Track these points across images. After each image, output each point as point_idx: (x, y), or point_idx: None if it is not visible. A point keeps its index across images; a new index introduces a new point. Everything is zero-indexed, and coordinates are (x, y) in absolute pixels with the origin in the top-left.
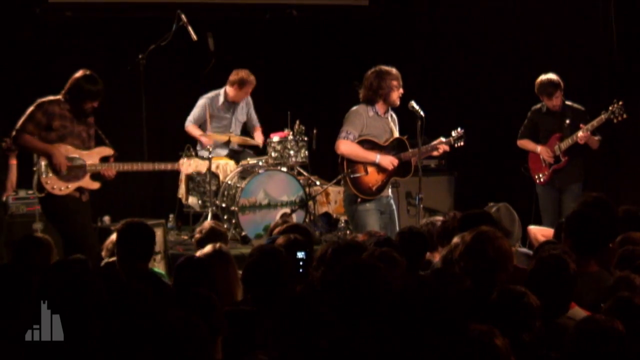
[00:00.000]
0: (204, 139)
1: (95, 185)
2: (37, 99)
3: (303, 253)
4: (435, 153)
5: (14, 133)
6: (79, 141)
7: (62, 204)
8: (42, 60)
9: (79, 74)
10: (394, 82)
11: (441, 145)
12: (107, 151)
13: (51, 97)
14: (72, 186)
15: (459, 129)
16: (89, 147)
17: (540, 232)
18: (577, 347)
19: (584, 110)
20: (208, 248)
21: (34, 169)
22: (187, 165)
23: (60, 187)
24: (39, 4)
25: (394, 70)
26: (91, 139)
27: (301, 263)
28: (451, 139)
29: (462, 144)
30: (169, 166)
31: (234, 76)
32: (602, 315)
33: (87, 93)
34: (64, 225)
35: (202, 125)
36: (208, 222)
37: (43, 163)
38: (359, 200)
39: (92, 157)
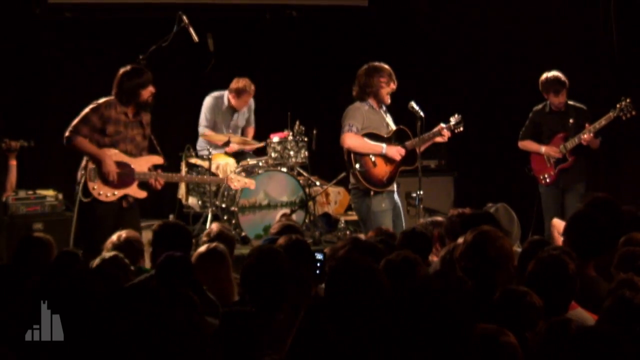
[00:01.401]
0: (232, 146)
1: (142, 194)
2: (93, 101)
3: (322, 255)
4: (439, 139)
5: (67, 134)
6: (132, 146)
7: (100, 211)
8: (42, 61)
9: (120, 72)
10: (382, 80)
11: (443, 130)
12: (157, 159)
13: (107, 99)
14: (118, 193)
15: (456, 115)
16: (142, 151)
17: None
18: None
19: (586, 109)
20: (203, 247)
21: (82, 172)
22: (237, 181)
23: (106, 194)
24: (39, 4)
25: (384, 67)
26: (145, 140)
27: (318, 264)
28: (450, 124)
29: (461, 129)
30: (217, 180)
31: (234, 84)
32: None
33: (136, 85)
34: (92, 233)
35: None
36: (216, 225)
37: (91, 167)
38: (372, 193)
39: (141, 164)
